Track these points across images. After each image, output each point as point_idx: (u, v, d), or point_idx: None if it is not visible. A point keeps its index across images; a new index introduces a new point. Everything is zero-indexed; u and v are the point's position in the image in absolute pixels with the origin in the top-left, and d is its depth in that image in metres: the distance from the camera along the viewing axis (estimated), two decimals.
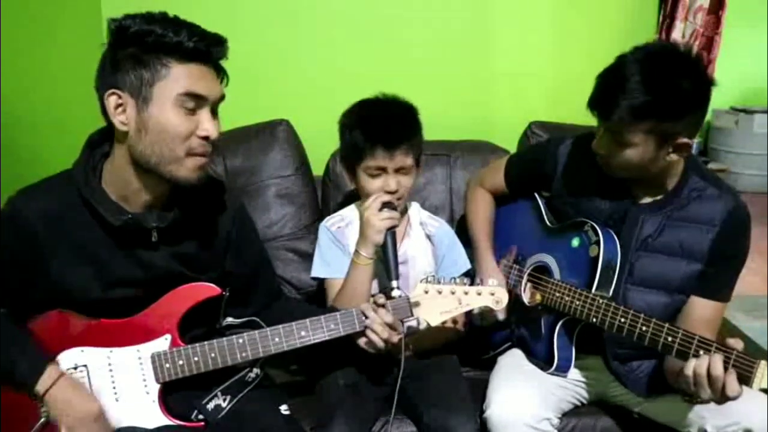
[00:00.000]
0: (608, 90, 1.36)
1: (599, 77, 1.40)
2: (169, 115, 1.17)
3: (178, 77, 1.17)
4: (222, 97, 1.24)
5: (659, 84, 1.31)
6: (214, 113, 1.24)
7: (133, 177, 1.23)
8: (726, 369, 1.21)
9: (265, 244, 1.70)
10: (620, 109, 1.32)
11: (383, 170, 1.54)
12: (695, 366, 1.24)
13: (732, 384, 1.21)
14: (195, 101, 1.19)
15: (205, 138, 1.20)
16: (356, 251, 1.53)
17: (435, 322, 1.39)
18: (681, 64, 1.34)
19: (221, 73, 1.25)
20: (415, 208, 1.75)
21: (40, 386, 1.20)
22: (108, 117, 1.20)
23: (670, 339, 1.31)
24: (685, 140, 1.37)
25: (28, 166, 1.63)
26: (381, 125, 1.55)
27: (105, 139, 1.27)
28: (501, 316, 1.60)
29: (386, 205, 1.51)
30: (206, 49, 1.18)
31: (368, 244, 1.51)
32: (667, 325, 1.32)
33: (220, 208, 1.39)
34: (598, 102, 1.39)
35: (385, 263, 1.48)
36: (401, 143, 1.53)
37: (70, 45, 1.94)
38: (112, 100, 1.17)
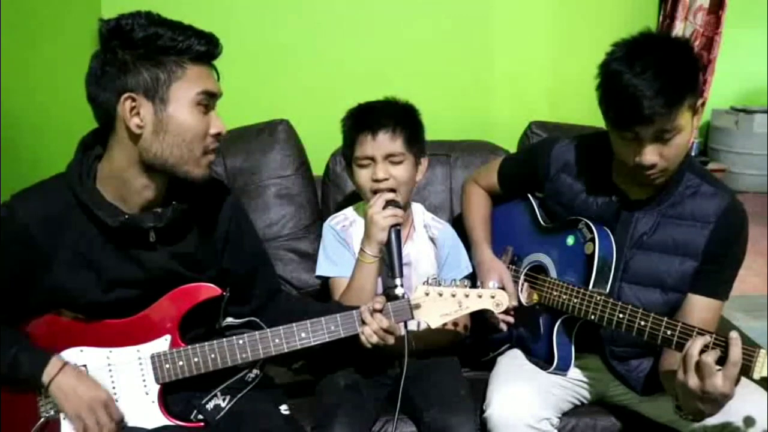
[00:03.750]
0: (629, 102, 1.31)
1: (607, 99, 1.37)
2: (188, 116, 1.19)
3: (195, 77, 1.19)
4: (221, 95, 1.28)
5: (662, 64, 1.30)
6: None
7: (135, 177, 1.23)
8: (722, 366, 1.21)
9: (265, 244, 1.70)
10: (654, 107, 1.29)
11: (372, 159, 1.56)
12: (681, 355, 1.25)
13: (707, 362, 1.20)
14: (210, 100, 1.23)
15: (218, 135, 1.25)
16: (361, 250, 1.54)
17: (435, 324, 1.39)
18: (657, 39, 1.39)
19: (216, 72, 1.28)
20: (419, 210, 1.75)
21: (45, 377, 1.21)
22: (107, 119, 1.20)
23: (669, 332, 1.31)
24: (701, 100, 1.38)
25: (28, 168, 1.63)
26: (366, 114, 1.60)
27: (97, 140, 1.27)
28: (503, 327, 1.58)
29: (390, 203, 1.52)
30: (211, 50, 1.22)
31: (373, 243, 1.51)
32: (665, 318, 1.32)
33: (217, 206, 1.39)
34: (631, 118, 1.33)
35: (389, 261, 1.48)
36: (383, 126, 1.55)
37: (70, 45, 1.94)
38: (127, 104, 1.17)
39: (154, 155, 1.20)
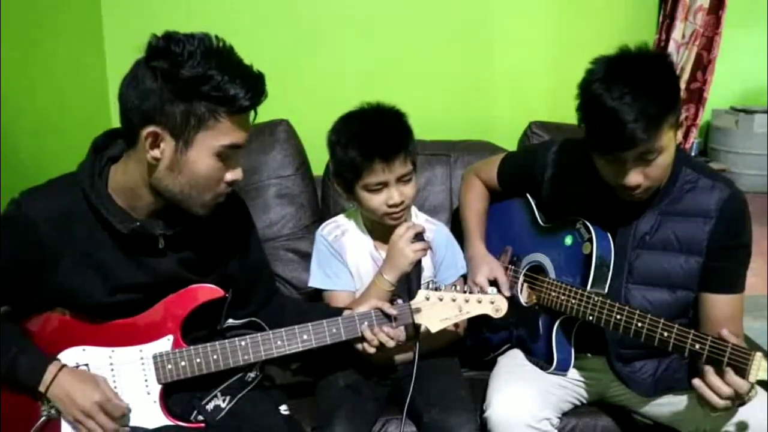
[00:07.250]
0: (610, 127, 1.29)
1: (588, 122, 1.35)
2: (206, 164, 1.17)
3: (226, 131, 1.16)
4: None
5: (641, 87, 1.28)
6: None
7: (144, 193, 1.23)
8: (720, 369, 1.22)
9: (265, 244, 1.70)
10: (635, 132, 1.27)
11: (384, 184, 1.51)
12: (697, 386, 1.26)
13: (734, 380, 1.21)
14: (234, 151, 1.20)
15: (233, 182, 1.23)
16: (380, 274, 1.51)
17: (435, 328, 1.40)
18: (635, 58, 1.34)
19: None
20: (413, 213, 1.74)
21: (42, 386, 1.21)
22: (130, 133, 1.17)
23: (665, 335, 1.31)
24: (680, 116, 1.38)
25: (28, 168, 1.63)
26: (375, 139, 1.49)
27: (110, 142, 1.26)
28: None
29: (417, 236, 1.50)
30: (254, 104, 1.18)
31: (395, 271, 1.49)
32: (662, 320, 1.32)
33: (225, 212, 1.38)
34: (612, 143, 1.31)
35: (408, 291, 1.48)
36: (398, 153, 1.49)
37: (69, 45, 1.94)
38: (150, 138, 1.14)
39: (164, 187, 1.20)
